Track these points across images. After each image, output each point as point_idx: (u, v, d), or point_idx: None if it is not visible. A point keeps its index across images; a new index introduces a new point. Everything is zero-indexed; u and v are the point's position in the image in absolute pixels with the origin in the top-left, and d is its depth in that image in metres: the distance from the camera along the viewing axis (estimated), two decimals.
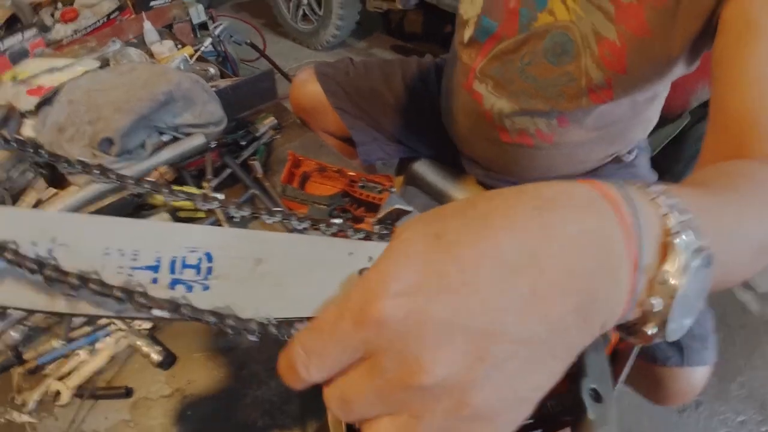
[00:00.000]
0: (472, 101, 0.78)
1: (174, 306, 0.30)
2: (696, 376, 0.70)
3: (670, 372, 0.69)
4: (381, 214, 0.44)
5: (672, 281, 0.23)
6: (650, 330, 0.25)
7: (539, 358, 0.21)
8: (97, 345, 0.64)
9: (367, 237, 0.39)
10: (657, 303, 0.24)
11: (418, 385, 0.19)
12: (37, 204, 0.75)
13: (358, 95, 0.98)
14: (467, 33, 0.75)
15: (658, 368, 0.70)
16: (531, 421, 0.36)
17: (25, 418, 0.63)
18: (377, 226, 0.43)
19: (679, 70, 0.63)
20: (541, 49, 0.67)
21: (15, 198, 0.78)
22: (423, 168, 0.99)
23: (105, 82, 0.76)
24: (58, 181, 0.78)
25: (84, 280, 0.29)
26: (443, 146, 0.94)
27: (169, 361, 0.61)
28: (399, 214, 0.44)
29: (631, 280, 0.23)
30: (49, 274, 0.28)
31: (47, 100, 0.77)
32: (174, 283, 0.33)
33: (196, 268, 0.33)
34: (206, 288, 0.33)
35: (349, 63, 1.01)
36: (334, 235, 0.41)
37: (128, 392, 0.62)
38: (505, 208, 0.22)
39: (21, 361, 0.64)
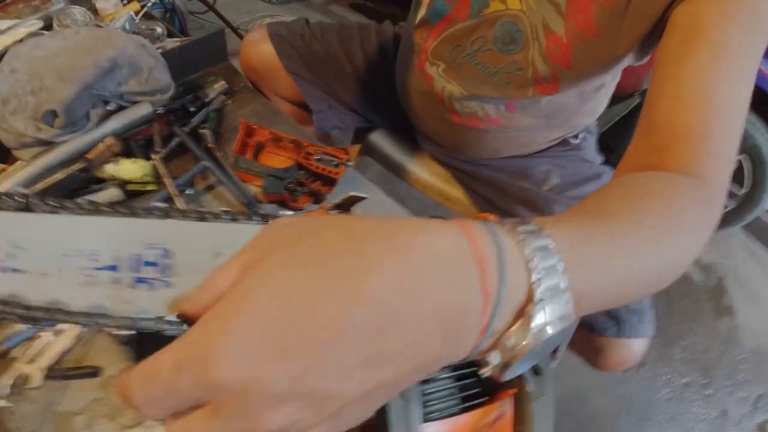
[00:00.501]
0: (424, 82, 0.80)
1: (132, 321, 0.32)
2: (633, 347, 0.76)
3: (607, 341, 0.76)
4: (337, 199, 0.45)
5: (519, 345, 0.25)
6: (486, 374, 0.27)
7: (372, 403, 0.24)
8: (61, 325, 0.63)
9: None
10: (496, 359, 0.26)
11: (261, 430, 0.21)
12: None
13: (314, 60, 0.97)
14: (420, 13, 0.75)
15: (597, 337, 0.76)
16: (478, 389, 0.40)
17: (1, 403, 0.64)
18: (333, 212, 0.45)
19: (628, 62, 0.65)
20: (491, 37, 0.69)
21: None
22: (380, 139, 1.00)
23: (48, 48, 0.72)
24: (2, 156, 0.75)
25: (51, 311, 0.30)
26: (399, 119, 0.95)
27: (134, 338, 0.62)
28: (354, 201, 0.45)
29: (476, 341, 0.24)
30: (15, 312, 0.29)
31: None
32: (137, 281, 0.33)
33: (156, 264, 0.34)
34: (169, 285, 0.34)
35: (304, 25, 0.99)
36: None
37: (96, 371, 0.63)
38: (369, 266, 0.22)
39: None
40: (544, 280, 0.25)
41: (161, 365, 0.22)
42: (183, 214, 0.36)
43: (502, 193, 0.86)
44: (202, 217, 0.36)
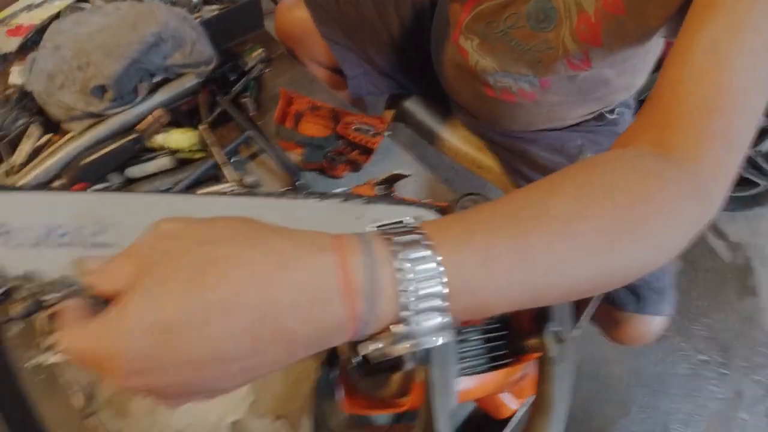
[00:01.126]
0: (458, 55, 0.82)
1: None
2: (651, 323, 0.80)
3: (627, 316, 0.79)
4: (381, 177, 0.50)
5: (387, 349, 0.29)
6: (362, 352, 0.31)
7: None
8: None
9: (369, 201, 0.46)
10: (358, 356, 0.31)
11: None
12: (35, 151, 0.79)
13: (349, 26, 0.99)
14: None
15: (617, 311, 0.80)
16: (505, 351, 0.46)
17: (57, 357, 0.70)
18: (378, 187, 0.50)
19: (662, 38, 0.65)
20: (525, 13, 0.70)
21: (13, 147, 0.83)
22: (414, 106, 1.04)
23: (90, 24, 0.76)
24: (52, 127, 0.82)
25: None
26: (433, 86, 0.98)
27: None
28: (397, 178, 0.50)
29: (346, 339, 0.29)
30: None
31: (30, 41, 0.79)
32: None
33: None
34: None
35: None
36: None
37: None
38: (236, 300, 0.26)
39: (41, 306, 0.71)
40: (415, 305, 0.28)
41: (78, 346, 0.29)
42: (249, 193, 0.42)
43: (535, 165, 0.89)
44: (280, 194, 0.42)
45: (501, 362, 0.46)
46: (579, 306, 0.56)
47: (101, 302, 0.34)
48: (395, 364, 0.42)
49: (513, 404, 0.53)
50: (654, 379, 1.46)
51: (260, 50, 0.95)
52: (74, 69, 0.75)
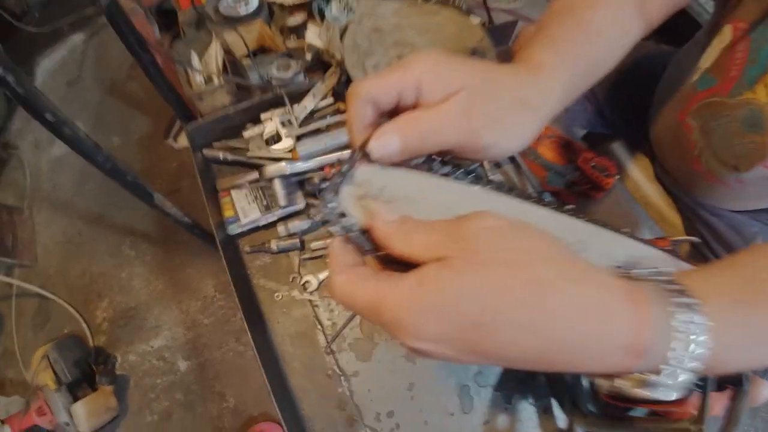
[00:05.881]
0: (682, 128, 1.03)
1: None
2: (764, 390, 1.09)
3: (755, 380, 1.08)
4: (675, 238, 0.75)
5: (632, 390, 0.34)
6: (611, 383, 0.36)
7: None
8: None
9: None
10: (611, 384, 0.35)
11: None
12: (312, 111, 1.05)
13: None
14: (694, 76, 0.99)
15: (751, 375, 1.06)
16: (701, 382, 0.73)
17: (306, 296, 0.90)
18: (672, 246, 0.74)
19: None
20: (740, 115, 0.90)
21: (296, 100, 1.07)
22: (620, 150, 1.28)
23: (412, 21, 0.99)
24: (335, 95, 1.07)
25: None
26: (638, 134, 1.20)
27: None
28: (685, 246, 0.74)
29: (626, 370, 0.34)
30: None
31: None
32: None
33: None
34: None
35: None
36: None
37: None
38: (531, 331, 0.31)
39: (302, 247, 0.91)
40: (676, 363, 0.32)
41: (360, 299, 0.34)
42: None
43: (716, 236, 1.11)
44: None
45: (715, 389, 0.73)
46: None
47: (367, 249, 0.38)
48: None
49: None
50: None
51: None
52: (392, 55, 1.01)
